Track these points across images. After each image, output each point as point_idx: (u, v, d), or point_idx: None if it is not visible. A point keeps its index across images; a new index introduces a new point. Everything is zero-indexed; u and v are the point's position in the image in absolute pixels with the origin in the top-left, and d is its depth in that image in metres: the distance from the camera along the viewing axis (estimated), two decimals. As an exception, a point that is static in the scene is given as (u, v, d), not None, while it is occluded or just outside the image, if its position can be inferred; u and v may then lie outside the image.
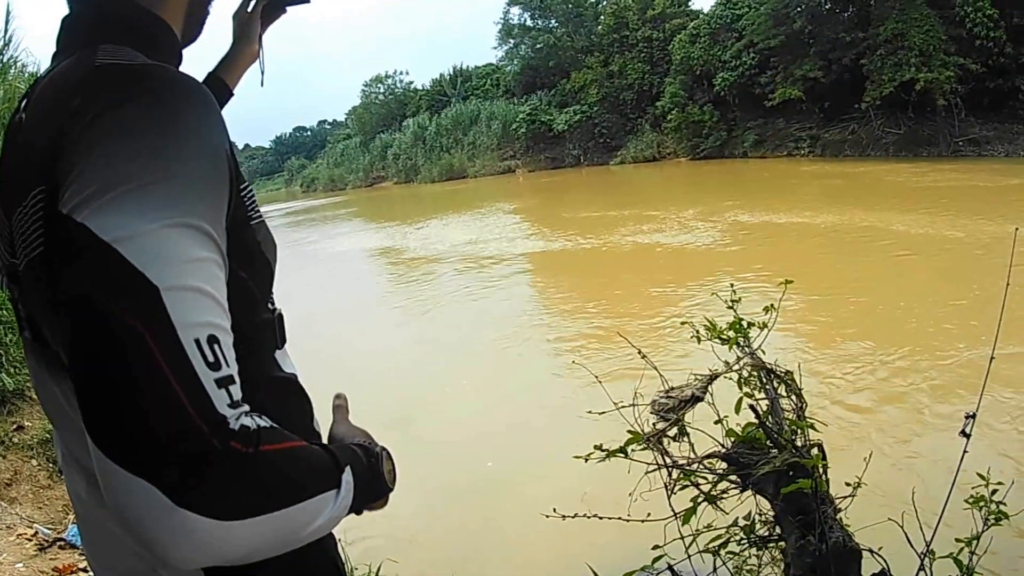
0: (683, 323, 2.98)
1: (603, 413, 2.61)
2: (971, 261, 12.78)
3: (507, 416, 8.05)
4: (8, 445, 5.43)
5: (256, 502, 0.83)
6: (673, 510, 2.47)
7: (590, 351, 9.86)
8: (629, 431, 2.48)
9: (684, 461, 2.50)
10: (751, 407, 2.50)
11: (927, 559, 2.43)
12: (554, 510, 2.65)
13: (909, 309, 10.40)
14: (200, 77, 1.78)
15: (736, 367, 2.69)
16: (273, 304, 1.22)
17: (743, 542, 2.61)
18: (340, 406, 1.37)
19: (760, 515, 2.63)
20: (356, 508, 1.03)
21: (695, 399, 2.56)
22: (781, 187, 29.16)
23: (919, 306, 10.49)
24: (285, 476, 0.89)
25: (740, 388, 2.66)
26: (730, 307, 2.93)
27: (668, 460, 2.49)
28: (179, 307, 0.82)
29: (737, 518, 2.55)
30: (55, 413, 1.13)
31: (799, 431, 2.53)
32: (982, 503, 2.47)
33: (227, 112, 1.77)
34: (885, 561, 2.46)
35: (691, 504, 2.43)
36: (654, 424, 2.53)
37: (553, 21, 57.53)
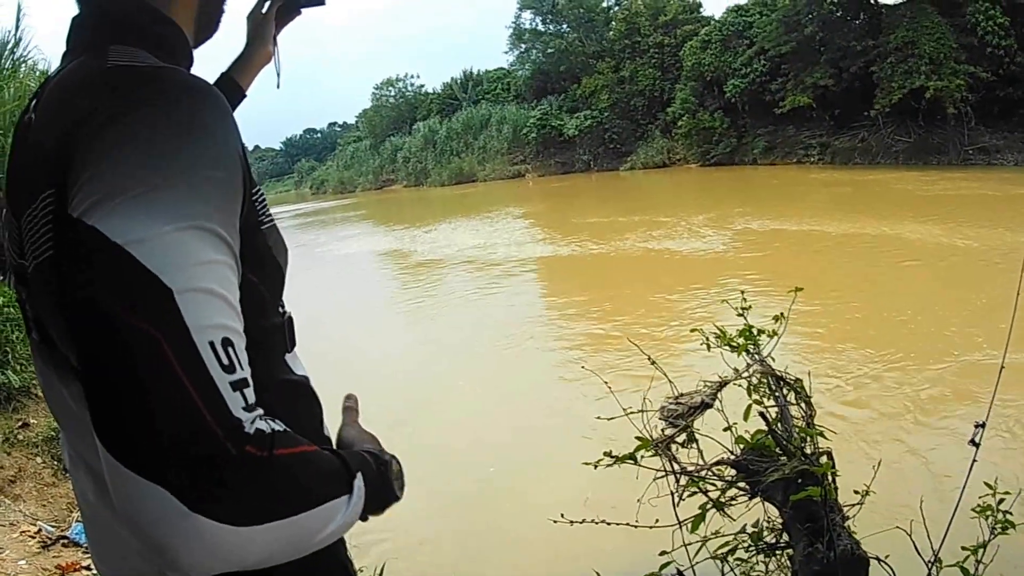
0: (693, 330, 2.98)
1: (612, 419, 2.61)
2: (979, 270, 12.73)
3: (512, 420, 8.04)
4: (13, 442, 5.46)
5: (270, 507, 0.83)
6: (677, 517, 2.46)
7: (599, 356, 9.82)
8: (637, 437, 2.48)
9: (693, 468, 2.50)
10: (761, 414, 2.50)
11: (934, 567, 2.43)
12: (562, 515, 2.65)
13: (918, 317, 10.36)
14: (213, 77, 1.79)
15: (746, 374, 2.68)
16: (283, 307, 1.21)
17: (751, 549, 2.60)
18: (350, 408, 1.37)
19: (768, 522, 2.62)
20: (363, 515, 1.03)
21: (705, 406, 2.56)
22: (791, 194, 29.10)
23: (927, 314, 10.45)
24: (299, 481, 0.88)
25: (749, 395, 2.66)
26: (740, 314, 2.93)
27: (677, 466, 2.49)
28: (193, 310, 0.82)
29: (745, 525, 2.55)
30: (62, 414, 1.13)
31: (808, 438, 2.52)
32: (989, 512, 2.46)
33: (237, 114, 1.77)
34: (892, 569, 2.46)
35: (699, 511, 2.43)
36: (663, 430, 2.52)
37: (565, 26, 57.50)
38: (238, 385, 0.84)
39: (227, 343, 0.84)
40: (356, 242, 30.24)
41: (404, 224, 34.76)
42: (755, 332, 2.80)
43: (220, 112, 0.98)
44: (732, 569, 2.60)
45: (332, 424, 1.31)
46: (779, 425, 2.55)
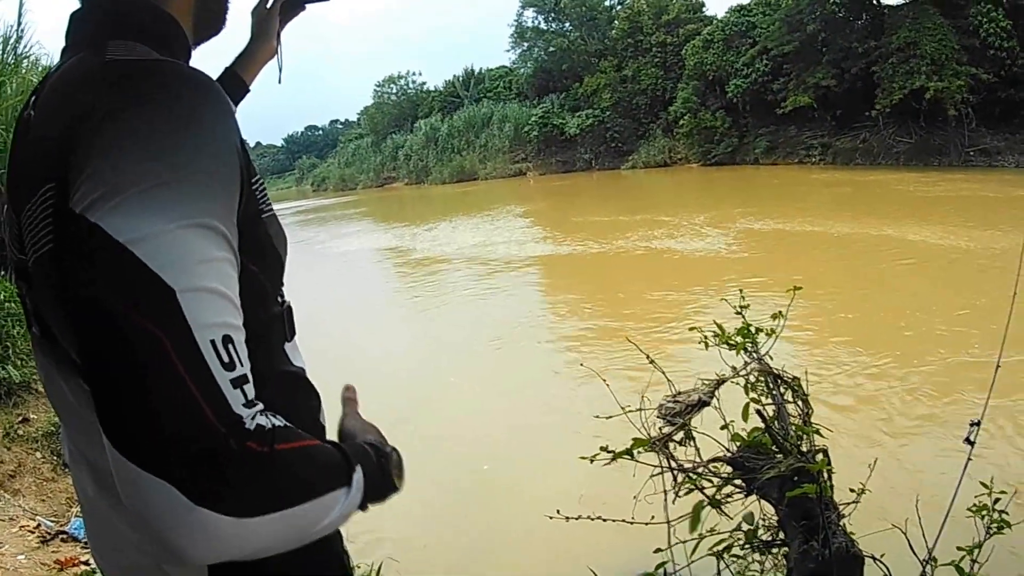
0: (691, 329, 2.98)
1: (611, 417, 2.62)
2: (978, 271, 12.75)
3: (509, 417, 8.06)
4: (13, 437, 5.46)
5: (271, 500, 0.85)
6: (667, 516, 2.47)
7: (597, 355, 9.85)
8: (634, 439, 2.49)
9: (690, 465, 2.51)
10: (758, 412, 2.51)
11: (929, 566, 2.44)
12: (557, 511, 2.66)
13: (916, 317, 10.39)
14: (218, 72, 1.81)
15: (744, 372, 2.69)
16: (283, 297, 1.23)
17: (747, 547, 2.61)
18: (350, 399, 1.38)
19: (763, 520, 2.63)
20: (362, 505, 1.04)
21: (702, 403, 2.56)
22: (791, 194, 29.12)
23: (926, 314, 10.47)
24: (299, 474, 0.90)
25: (747, 393, 2.67)
26: (738, 313, 2.94)
27: (674, 464, 2.50)
28: (195, 308, 0.83)
29: (740, 522, 2.56)
30: (63, 409, 1.14)
31: (805, 436, 2.53)
32: (984, 511, 2.47)
33: (240, 108, 1.79)
34: (887, 568, 2.47)
35: (695, 508, 2.43)
36: (660, 428, 2.53)
37: (567, 24, 57.57)
38: (238, 382, 0.85)
39: (227, 340, 0.86)
40: (357, 239, 30.21)
41: (405, 222, 34.81)
42: (753, 330, 2.80)
43: (220, 106, 0.99)
44: (728, 566, 2.60)
45: (331, 419, 1.32)
46: (776, 423, 2.56)
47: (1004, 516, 2.45)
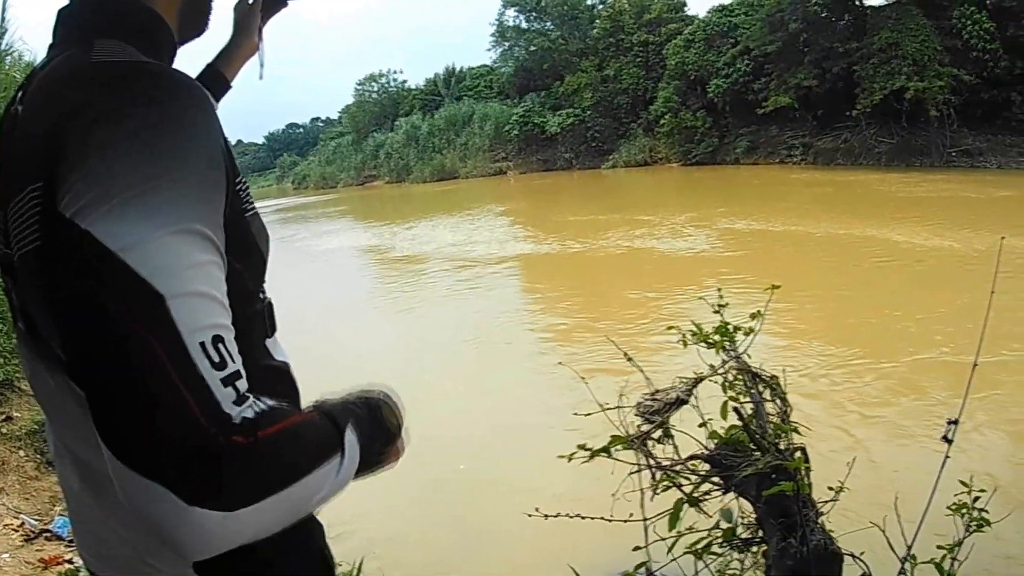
0: (670, 328, 2.99)
1: (589, 415, 2.62)
2: (958, 271, 12.86)
3: (490, 416, 8.08)
4: (-4, 435, 5.43)
5: (260, 489, 0.86)
6: (644, 514, 2.48)
7: (578, 353, 9.86)
8: (613, 436, 2.49)
9: (668, 462, 2.52)
10: (735, 410, 2.52)
11: (908, 563, 2.46)
12: (536, 509, 2.66)
13: (895, 317, 10.47)
14: (199, 69, 1.80)
15: (721, 370, 2.70)
16: (264, 293, 1.23)
17: (726, 545, 2.62)
18: None
19: (743, 518, 2.64)
20: (369, 461, 1.09)
21: (680, 402, 2.57)
22: (772, 194, 29.21)
23: (906, 314, 10.55)
24: (286, 457, 0.91)
25: (725, 392, 2.68)
26: (716, 311, 2.94)
27: (652, 461, 2.51)
28: (184, 313, 0.84)
29: (719, 520, 2.57)
30: (49, 405, 1.15)
31: (783, 434, 2.54)
32: (964, 510, 2.49)
33: (220, 106, 1.78)
34: (867, 565, 2.48)
35: (674, 506, 2.44)
36: (639, 426, 2.54)
37: (548, 23, 57.49)
38: (229, 379, 0.87)
39: (217, 340, 0.87)
40: (337, 238, 30.13)
41: (386, 220, 34.70)
42: (731, 329, 2.81)
43: (205, 109, 0.99)
44: (707, 566, 2.61)
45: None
46: (754, 421, 2.57)
47: (983, 514, 2.47)
